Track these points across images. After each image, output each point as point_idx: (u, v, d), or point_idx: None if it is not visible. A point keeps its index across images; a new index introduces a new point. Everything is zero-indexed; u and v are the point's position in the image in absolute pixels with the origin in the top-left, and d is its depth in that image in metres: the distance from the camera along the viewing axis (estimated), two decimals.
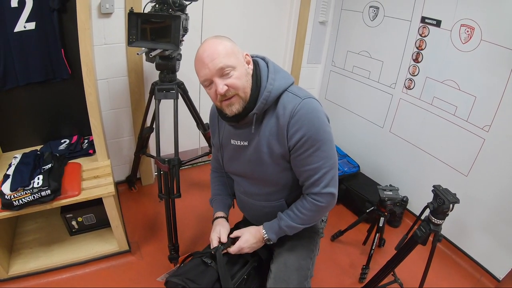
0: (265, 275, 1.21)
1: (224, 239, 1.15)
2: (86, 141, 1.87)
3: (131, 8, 1.37)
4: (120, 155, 2.19)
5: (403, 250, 1.53)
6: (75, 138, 1.84)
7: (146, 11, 1.49)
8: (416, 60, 2.04)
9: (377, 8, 2.20)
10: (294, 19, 2.47)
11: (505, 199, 1.74)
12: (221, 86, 0.94)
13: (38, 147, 1.77)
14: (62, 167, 1.57)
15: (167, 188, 1.63)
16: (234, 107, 0.98)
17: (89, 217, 1.74)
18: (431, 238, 1.39)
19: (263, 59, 1.07)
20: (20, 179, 1.38)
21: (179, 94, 1.69)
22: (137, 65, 1.93)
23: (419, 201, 2.17)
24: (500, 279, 1.81)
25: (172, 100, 1.63)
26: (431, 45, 1.94)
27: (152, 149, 2.22)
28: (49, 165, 1.50)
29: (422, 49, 1.99)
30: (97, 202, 1.58)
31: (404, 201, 1.81)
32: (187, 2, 1.46)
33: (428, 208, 1.44)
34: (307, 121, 0.95)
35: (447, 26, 1.82)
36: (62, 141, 1.81)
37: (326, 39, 2.69)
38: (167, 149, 2.25)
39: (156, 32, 1.43)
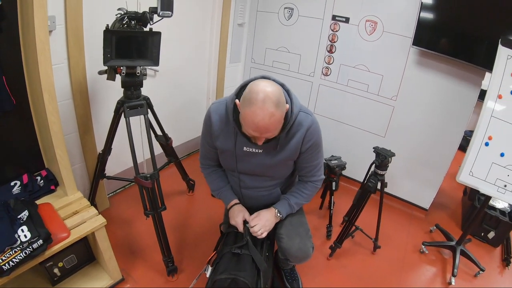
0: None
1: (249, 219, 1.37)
2: (39, 178, 1.62)
3: (107, 25, 1.31)
4: None
5: (360, 201, 1.95)
6: (25, 177, 1.58)
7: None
8: (330, 51, 2.49)
9: (292, 9, 2.55)
10: (217, 23, 2.60)
11: (416, 149, 2.37)
12: (261, 141, 1.17)
13: None
14: (37, 211, 1.37)
15: (151, 204, 1.63)
16: (261, 141, 1.19)
17: (70, 259, 1.56)
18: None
19: (282, 85, 1.19)
20: (4, 238, 1.17)
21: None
22: (82, 85, 1.76)
23: (350, 163, 2.68)
24: (427, 208, 2.45)
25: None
26: (342, 38, 2.40)
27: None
28: (25, 212, 1.31)
29: (335, 42, 2.44)
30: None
31: None
32: (158, 18, 1.46)
33: (374, 165, 1.89)
34: (315, 132, 1.27)
35: (355, 22, 2.30)
36: (12, 183, 1.53)
37: (244, 39, 2.92)
38: (119, 167, 2.16)
39: (133, 49, 1.41)
